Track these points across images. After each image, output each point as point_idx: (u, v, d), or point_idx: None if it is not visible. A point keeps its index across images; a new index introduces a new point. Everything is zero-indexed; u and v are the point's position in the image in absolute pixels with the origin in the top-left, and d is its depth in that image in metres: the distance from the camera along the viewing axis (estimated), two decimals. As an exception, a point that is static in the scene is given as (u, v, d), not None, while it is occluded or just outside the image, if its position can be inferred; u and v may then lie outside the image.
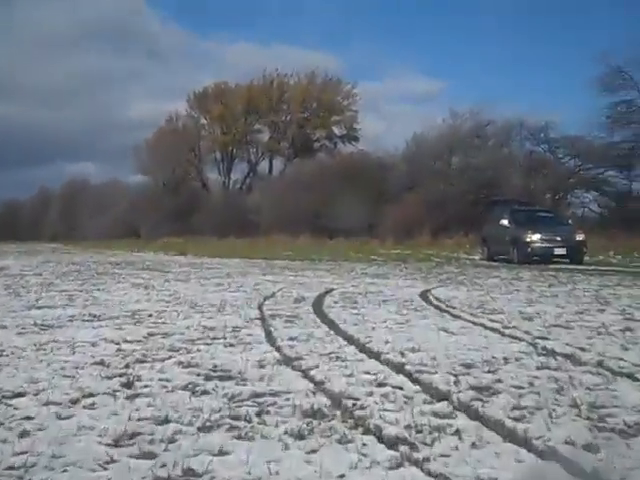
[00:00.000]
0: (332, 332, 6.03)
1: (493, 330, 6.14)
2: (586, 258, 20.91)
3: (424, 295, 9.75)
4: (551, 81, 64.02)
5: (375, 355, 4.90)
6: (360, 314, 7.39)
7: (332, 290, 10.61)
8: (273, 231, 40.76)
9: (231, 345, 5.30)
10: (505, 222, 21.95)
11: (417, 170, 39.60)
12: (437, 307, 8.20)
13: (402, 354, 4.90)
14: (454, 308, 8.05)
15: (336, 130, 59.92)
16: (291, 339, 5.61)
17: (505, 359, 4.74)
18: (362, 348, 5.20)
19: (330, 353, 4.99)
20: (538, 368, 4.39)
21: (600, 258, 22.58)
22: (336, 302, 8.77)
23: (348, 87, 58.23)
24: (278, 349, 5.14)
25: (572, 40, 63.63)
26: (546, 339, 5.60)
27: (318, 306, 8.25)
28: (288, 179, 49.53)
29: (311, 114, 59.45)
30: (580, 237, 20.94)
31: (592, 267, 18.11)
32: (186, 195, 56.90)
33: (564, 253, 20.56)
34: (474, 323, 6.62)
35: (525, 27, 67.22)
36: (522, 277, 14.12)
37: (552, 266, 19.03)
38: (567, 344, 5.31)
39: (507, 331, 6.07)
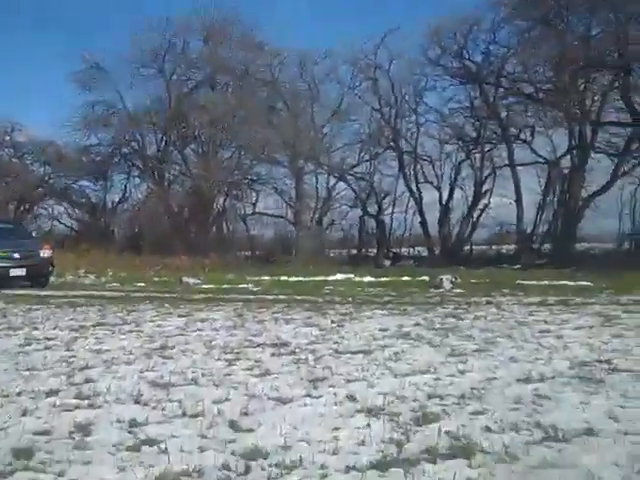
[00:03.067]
0: None
1: None
2: (53, 279, 16.28)
3: None
4: (27, 80, 56.11)
5: None
6: None
7: None
8: None
9: None
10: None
11: None
12: None
13: None
14: None
15: None
16: None
17: None
18: None
19: None
20: None
21: (70, 278, 18.23)
22: None
23: None
24: None
25: (48, 32, 56.72)
26: None
27: None
28: None
29: None
30: (46, 254, 16.19)
31: (62, 293, 13.43)
32: None
33: (23, 274, 15.46)
34: None
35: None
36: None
37: (8, 292, 13.72)
38: None
39: None
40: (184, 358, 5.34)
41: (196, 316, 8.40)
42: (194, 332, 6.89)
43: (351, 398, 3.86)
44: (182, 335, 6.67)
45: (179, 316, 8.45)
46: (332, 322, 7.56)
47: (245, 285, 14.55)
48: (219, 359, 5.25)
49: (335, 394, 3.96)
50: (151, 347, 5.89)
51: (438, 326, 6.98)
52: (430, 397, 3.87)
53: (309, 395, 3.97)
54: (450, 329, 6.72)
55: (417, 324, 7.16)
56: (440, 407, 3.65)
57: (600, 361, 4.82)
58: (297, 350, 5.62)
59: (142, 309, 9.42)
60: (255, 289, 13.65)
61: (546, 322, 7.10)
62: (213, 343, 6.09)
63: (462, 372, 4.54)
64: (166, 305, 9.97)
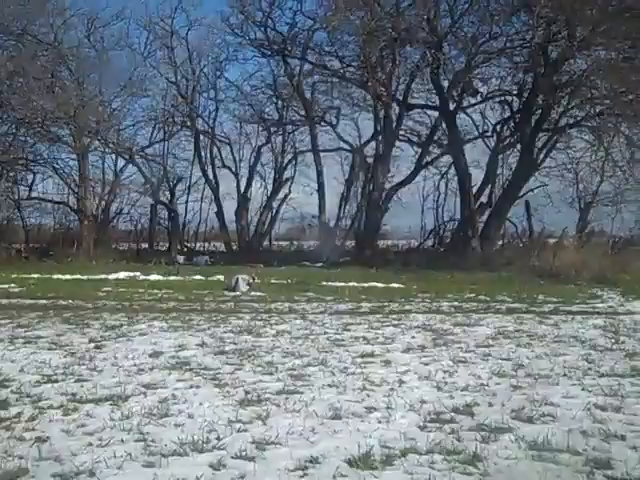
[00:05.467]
0: None
1: None
2: None
3: None
4: None
5: None
6: None
7: None
8: None
9: None
10: None
11: None
12: None
13: None
14: None
15: None
16: None
17: None
18: None
19: None
20: None
21: None
22: None
23: None
24: None
25: None
26: None
27: None
28: None
29: None
30: None
31: None
32: None
33: None
34: None
35: None
36: None
37: None
38: None
39: None
40: None
41: None
42: None
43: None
44: None
45: None
46: (90, 341, 5.63)
47: (6, 285, 11.95)
48: None
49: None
50: None
51: (230, 347, 5.27)
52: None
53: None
54: (245, 353, 5.05)
55: (202, 344, 5.43)
56: None
57: (458, 410, 3.40)
58: (12, 399, 3.68)
59: None
60: (16, 291, 11.16)
61: (366, 340, 5.66)
62: None
63: (261, 446, 2.87)
64: None
